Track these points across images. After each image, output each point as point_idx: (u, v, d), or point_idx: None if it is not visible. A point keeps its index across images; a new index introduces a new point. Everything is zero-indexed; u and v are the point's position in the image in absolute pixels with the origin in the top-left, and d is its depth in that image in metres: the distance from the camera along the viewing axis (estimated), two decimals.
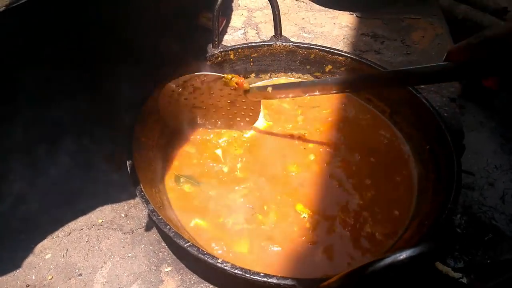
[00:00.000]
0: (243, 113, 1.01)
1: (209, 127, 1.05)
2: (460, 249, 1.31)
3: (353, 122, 1.08)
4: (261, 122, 1.06)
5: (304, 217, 0.87)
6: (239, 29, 1.47)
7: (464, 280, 0.85)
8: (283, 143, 1.03)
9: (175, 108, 0.99)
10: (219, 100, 1.00)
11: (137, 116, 0.92)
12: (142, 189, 0.78)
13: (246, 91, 0.96)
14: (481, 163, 1.58)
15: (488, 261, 1.29)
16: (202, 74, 0.95)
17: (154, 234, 0.92)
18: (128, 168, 0.82)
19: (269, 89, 0.92)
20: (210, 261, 0.68)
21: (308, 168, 0.97)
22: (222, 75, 0.95)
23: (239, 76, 0.96)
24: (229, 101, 0.99)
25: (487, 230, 1.36)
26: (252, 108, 1.00)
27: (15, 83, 1.00)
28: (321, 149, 1.01)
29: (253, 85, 1.03)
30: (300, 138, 1.03)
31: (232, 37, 1.44)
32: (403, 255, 0.54)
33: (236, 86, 0.95)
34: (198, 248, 0.70)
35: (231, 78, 0.94)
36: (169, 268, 0.86)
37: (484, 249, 1.31)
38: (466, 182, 1.52)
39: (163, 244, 0.90)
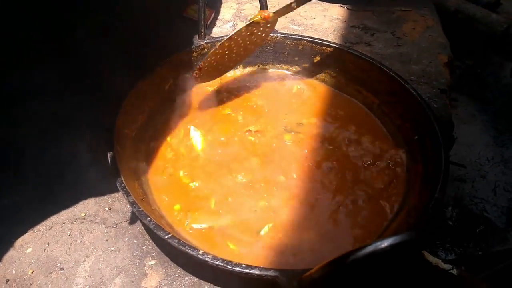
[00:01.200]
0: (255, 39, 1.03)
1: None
2: (451, 241, 1.30)
3: (338, 113, 1.07)
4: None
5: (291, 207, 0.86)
6: (228, 22, 1.45)
7: (454, 272, 0.84)
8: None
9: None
10: (241, 42, 1.02)
11: (120, 107, 0.90)
12: (123, 181, 0.77)
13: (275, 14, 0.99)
14: (473, 155, 1.57)
15: (480, 253, 1.28)
16: (234, 33, 0.97)
17: (138, 227, 0.90)
18: (109, 160, 0.80)
19: (293, 4, 0.99)
20: (191, 253, 0.67)
21: (293, 161, 0.95)
22: (250, 21, 0.98)
23: (261, 11, 0.99)
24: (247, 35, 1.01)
25: (479, 222, 1.35)
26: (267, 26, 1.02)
27: None
28: (309, 143, 1.00)
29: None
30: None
31: (221, 30, 1.42)
32: (384, 244, 0.53)
33: (264, 20, 0.98)
34: (179, 240, 0.68)
35: (258, 17, 0.97)
36: (153, 262, 0.84)
37: (476, 241, 1.31)
38: (457, 175, 1.51)
39: (148, 238, 0.88)
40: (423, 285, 0.84)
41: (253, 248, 0.80)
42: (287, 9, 1.01)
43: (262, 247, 0.80)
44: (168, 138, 0.99)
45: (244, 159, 0.96)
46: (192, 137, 0.99)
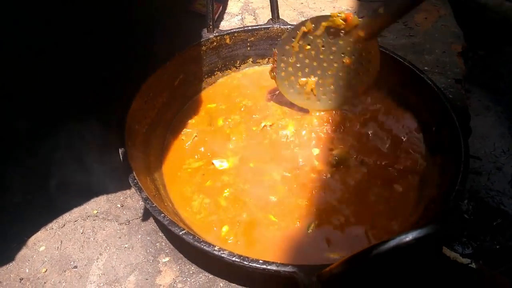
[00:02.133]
0: (358, 65, 0.88)
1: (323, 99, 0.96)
2: (468, 235, 1.27)
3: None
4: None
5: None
6: (236, 15, 1.43)
7: (473, 266, 0.82)
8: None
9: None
10: (331, 56, 0.89)
11: (130, 103, 0.89)
12: (135, 177, 0.75)
13: (356, 26, 0.83)
14: (488, 147, 1.53)
15: (497, 247, 1.25)
16: (305, 20, 0.86)
17: (151, 224, 0.89)
18: (121, 156, 0.79)
19: (380, 10, 0.79)
20: (207, 248, 0.65)
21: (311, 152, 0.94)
22: (327, 14, 0.85)
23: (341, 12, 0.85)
24: (342, 54, 0.88)
25: (496, 215, 1.32)
26: (368, 54, 0.87)
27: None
28: (324, 131, 0.97)
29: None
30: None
31: (229, 24, 1.40)
32: (409, 237, 0.51)
33: (344, 23, 0.83)
34: (194, 236, 0.67)
35: (338, 15, 0.82)
36: (167, 259, 0.83)
37: (493, 235, 1.28)
38: (473, 167, 1.48)
39: (161, 234, 0.87)
40: (443, 280, 0.82)
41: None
42: (377, 20, 0.81)
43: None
44: (181, 134, 0.97)
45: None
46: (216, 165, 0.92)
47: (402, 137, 0.96)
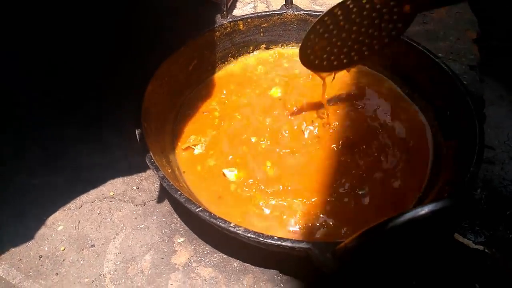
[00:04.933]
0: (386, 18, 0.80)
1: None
2: (480, 224, 1.26)
3: (366, 91, 1.05)
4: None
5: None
6: (249, 3, 1.44)
7: (486, 251, 0.82)
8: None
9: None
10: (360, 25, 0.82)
11: (146, 86, 0.90)
12: (152, 157, 0.76)
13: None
14: (501, 137, 1.51)
15: (510, 236, 1.24)
16: None
17: (166, 205, 0.90)
18: (138, 136, 0.80)
19: None
20: (222, 225, 0.66)
21: (322, 139, 0.94)
22: None
23: None
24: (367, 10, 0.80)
25: (509, 204, 1.31)
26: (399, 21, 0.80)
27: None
28: (335, 122, 0.98)
29: None
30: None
31: (242, 12, 1.40)
32: (425, 210, 0.51)
33: None
34: (210, 213, 0.68)
35: None
36: (182, 239, 0.85)
37: (506, 224, 1.27)
38: (486, 157, 1.46)
39: (175, 216, 0.88)
40: (456, 262, 0.82)
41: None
42: None
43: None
44: (193, 117, 0.99)
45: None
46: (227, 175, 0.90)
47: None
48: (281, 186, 0.85)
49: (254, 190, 0.85)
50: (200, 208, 0.69)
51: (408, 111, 1.00)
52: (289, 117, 0.98)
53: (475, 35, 1.25)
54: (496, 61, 1.66)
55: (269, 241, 0.65)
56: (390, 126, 0.97)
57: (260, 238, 0.65)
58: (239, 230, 0.66)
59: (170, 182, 0.72)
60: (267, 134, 0.95)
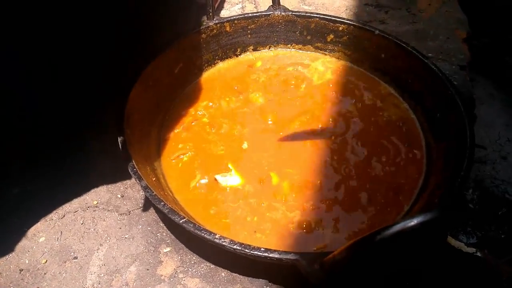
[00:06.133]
0: None
1: None
2: (472, 225, 1.26)
3: (356, 94, 1.03)
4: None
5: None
6: (237, 4, 1.42)
7: (478, 255, 0.81)
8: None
9: None
10: None
11: (129, 91, 0.87)
12: (135, 165, 0.74)
13: None
14: (492, 136, 1.51)
15: (502, 236, 1.24)
16: None
17: (152, 214, 0.88)
18: (120, 145, 0.77)
19: None
20: (208, 237, 0.64)
21: (313, 141, 0.92)
22: None
23: None
24: None
25: (501, 204, 1.30)
26: None
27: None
28: (330, 121, 0.96)
29: None
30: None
31: (229, 12, 1.38)
32: (413, 221, 0.49)
33: None
34: (194, 224, 0.66)
35: None
36: (168, 249, 0.82)
37: (498, 224, 1.26)
38: (477, 156, 1.45)
39: (161, 225, 0.86)
40: (448, 268, 0.80)
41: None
42: None
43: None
44: (180, 122, 0.96)
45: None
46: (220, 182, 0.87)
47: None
48: (273, 192, 0.83)
49: (245, 196, 0.83)
50: (185, 219, 0.66)
51: (399, 112, 0.99)
52: (273, 123, 0.96)
53: (464, 34, 1.24)
54: (486, 59, 1.65)
55: (255, 252, 0.63)
56: (381, 127, 0.95)
57: (247, 250, 0.63)
58: (224, 241, 0.64)
59: (153, 192, 0.69)
60: (258, 139, 0.93)
